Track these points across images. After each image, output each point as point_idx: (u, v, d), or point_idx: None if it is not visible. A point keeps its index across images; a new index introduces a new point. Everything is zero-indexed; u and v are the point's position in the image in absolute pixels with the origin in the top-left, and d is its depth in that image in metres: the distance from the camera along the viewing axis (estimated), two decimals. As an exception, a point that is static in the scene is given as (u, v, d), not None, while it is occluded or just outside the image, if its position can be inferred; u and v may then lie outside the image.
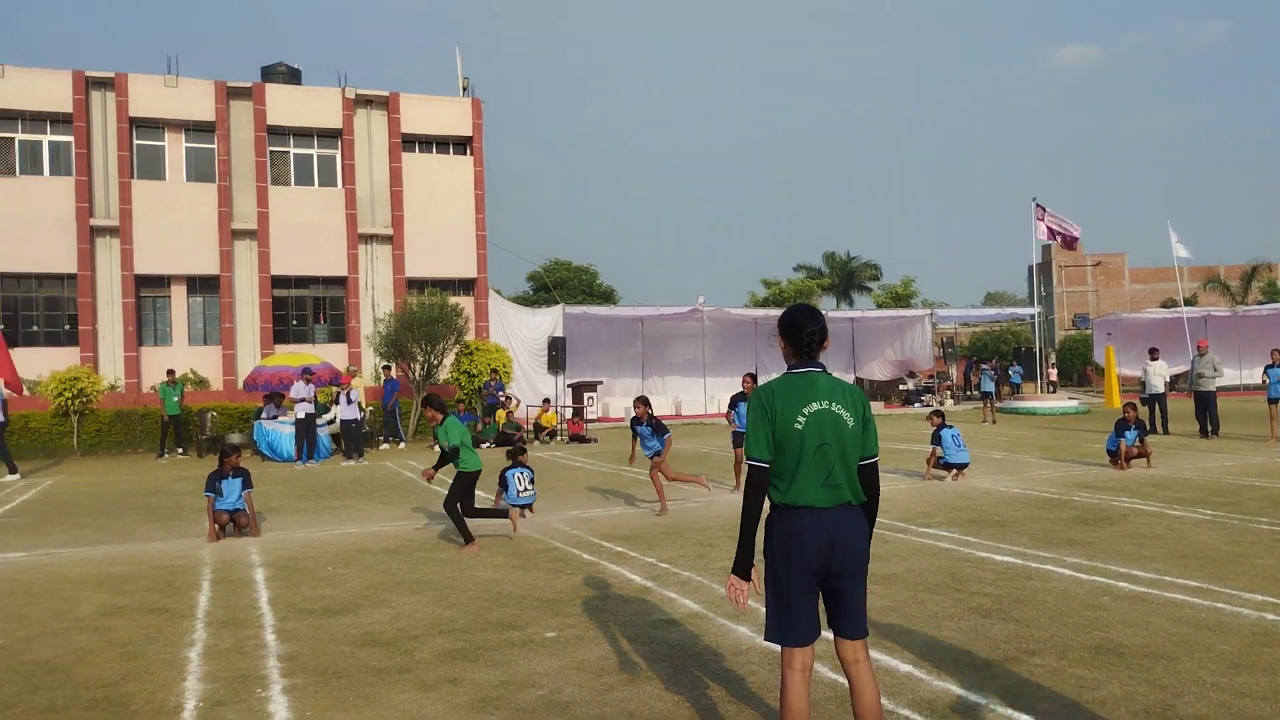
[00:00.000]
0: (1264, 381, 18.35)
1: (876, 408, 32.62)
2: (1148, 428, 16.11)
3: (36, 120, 25.35)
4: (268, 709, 4.83)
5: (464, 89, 29.42)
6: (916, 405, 32.34)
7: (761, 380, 13.18)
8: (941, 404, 32.84)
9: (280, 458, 19.38)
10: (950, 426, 13.41)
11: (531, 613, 6.59)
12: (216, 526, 9.97)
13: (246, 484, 10.24)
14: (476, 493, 10.10)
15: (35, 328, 25.67)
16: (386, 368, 23.23)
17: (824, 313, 36.90)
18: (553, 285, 42.49)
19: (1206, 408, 18.95)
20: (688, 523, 10.28)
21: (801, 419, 3.57)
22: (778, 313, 32.85)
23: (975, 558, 7.99)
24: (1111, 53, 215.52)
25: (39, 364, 23.91)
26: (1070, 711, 4.45)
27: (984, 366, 30.22)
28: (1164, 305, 48.80)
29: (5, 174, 24.96)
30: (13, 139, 25.24)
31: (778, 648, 5.18)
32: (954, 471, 13.09)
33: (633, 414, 11.68)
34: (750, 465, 3.65)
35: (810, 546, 3.56)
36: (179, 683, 5.29)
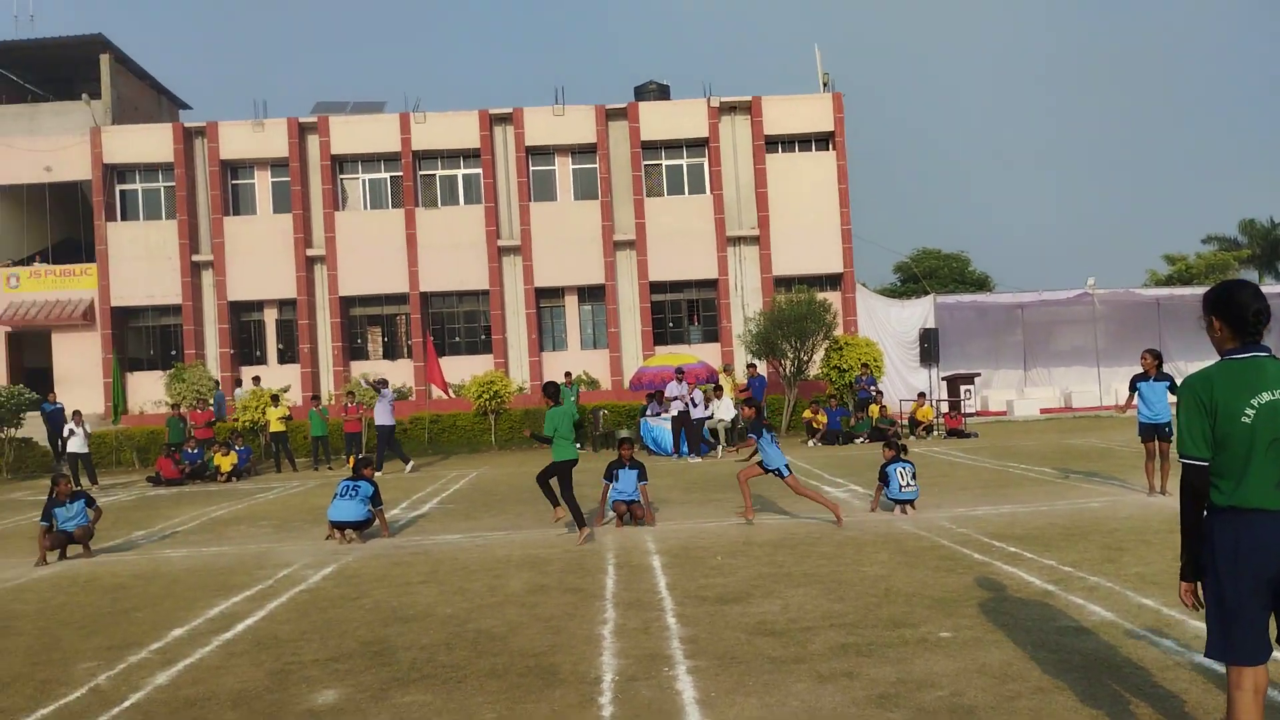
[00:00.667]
0: None
1: (1318, 395, 27.93)
2: None
3: (452, 157, 29.08)
4: (675, 687, 5.15)
5: (824, 84, 29.40)
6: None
7: (1166, 365, 11.63)
8: None
9: (664, 452, 20.55)
10: None
11: (923, 611, 6.43)
12: (48, 546, 10.70)
13: (90, 505, 10.85)
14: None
15: (458, 338, 29.43)
16: (752, 365, 23.81)
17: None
18: (922, 275, 41.12)
19: None
20: (1090, 524, 9.48)
21: (1250, 411, 3.18)
22: (1185, 292, 29.23)
23: None
24: None
25: (462, 370, 27.38)
26: None
27: None
28: None
29: (430, 206, 28.88)
30: (434, 175, 29.16)
31: (1219, 665, 4.66)
32: None
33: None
34: (1185, 464, 3.31)
35: (1261, 555, 3.17)
36: (597, 656, 5.81)
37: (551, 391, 10.41)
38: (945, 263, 44.18)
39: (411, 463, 20.14)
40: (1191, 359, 31.33)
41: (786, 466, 10.42)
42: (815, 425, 21.86)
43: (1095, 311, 29.51)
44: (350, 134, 28.65)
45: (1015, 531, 9.26)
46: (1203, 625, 5.62)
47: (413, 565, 9.21)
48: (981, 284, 43.72)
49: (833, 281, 28.85)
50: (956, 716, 4.50)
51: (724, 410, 21.59)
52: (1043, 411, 27.46)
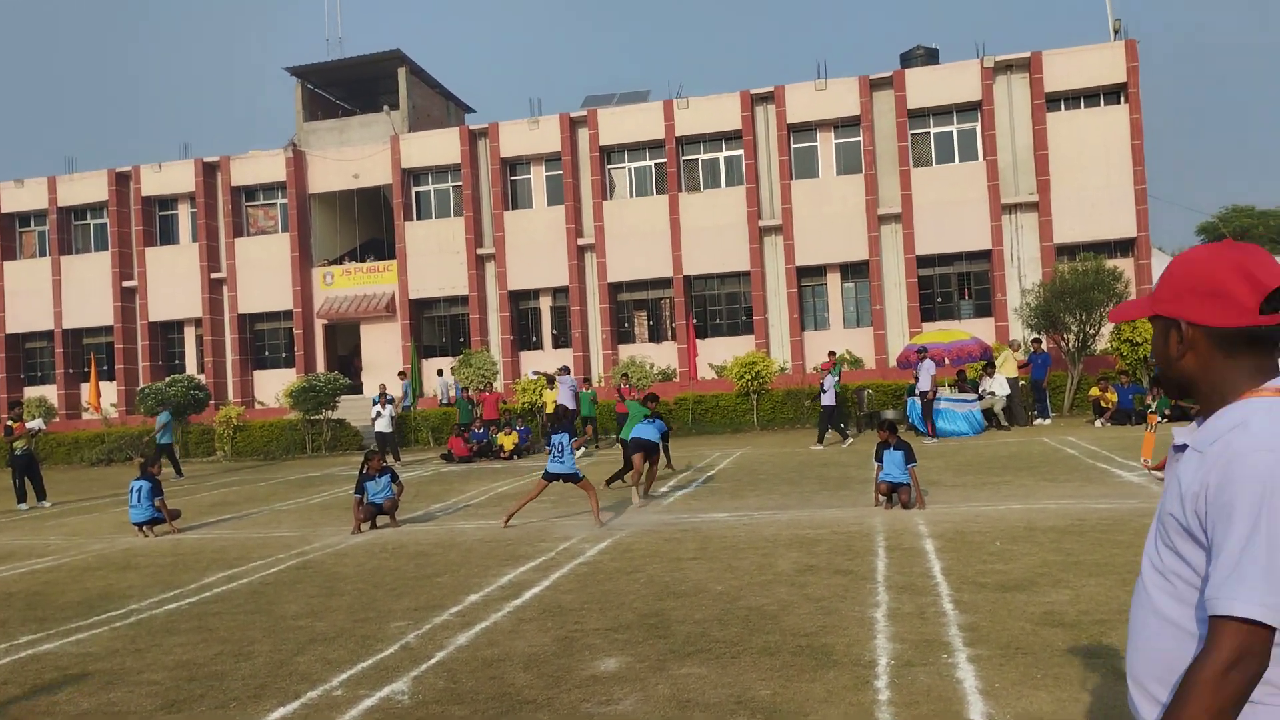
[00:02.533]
0: None
1: None
2: None
3: (713, 140, 29.40)
4: (955, 675, 4.97)
5: (1115, 32, 26.92)
6: None
7: None
8: None
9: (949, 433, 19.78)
10: None
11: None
12: (362, 517, 11.70)
13: (395, 481, 11.95)
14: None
15: (719, 320, 29.80)
16: (1036, 340, 22.32)
17: None
18: (1234, 236, 36.81)
19: None
20: None
21: None
22: None
23: None
24: None
25: (723, 351, 27.72)
26: None
27: None
28: None
29: (693, 190, 29.38)
30: (696, 159, 29.62)
31: None
32: None
33: None
34: None
35: None
36: (870, 640, 5.71)
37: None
38: (1261, 220, 39.31)
39: (591, 447, 20.04)
40: None
41: None
42: (1104, 404, 20.19)
43: None
44: (617, 125, 29.67)
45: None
46: None
47: (683, 542, 9.46)
48: (1308, 243, 38.49)
49: (1124, 247, 26.46)
50: None
51: (998, 386, 20.49)
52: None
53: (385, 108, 32.33)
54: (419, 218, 31.68)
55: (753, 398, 24.90)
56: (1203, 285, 1.73)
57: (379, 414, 21.44)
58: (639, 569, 8.29)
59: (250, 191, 33.20)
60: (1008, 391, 20.61)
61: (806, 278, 28.88)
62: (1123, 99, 26.48)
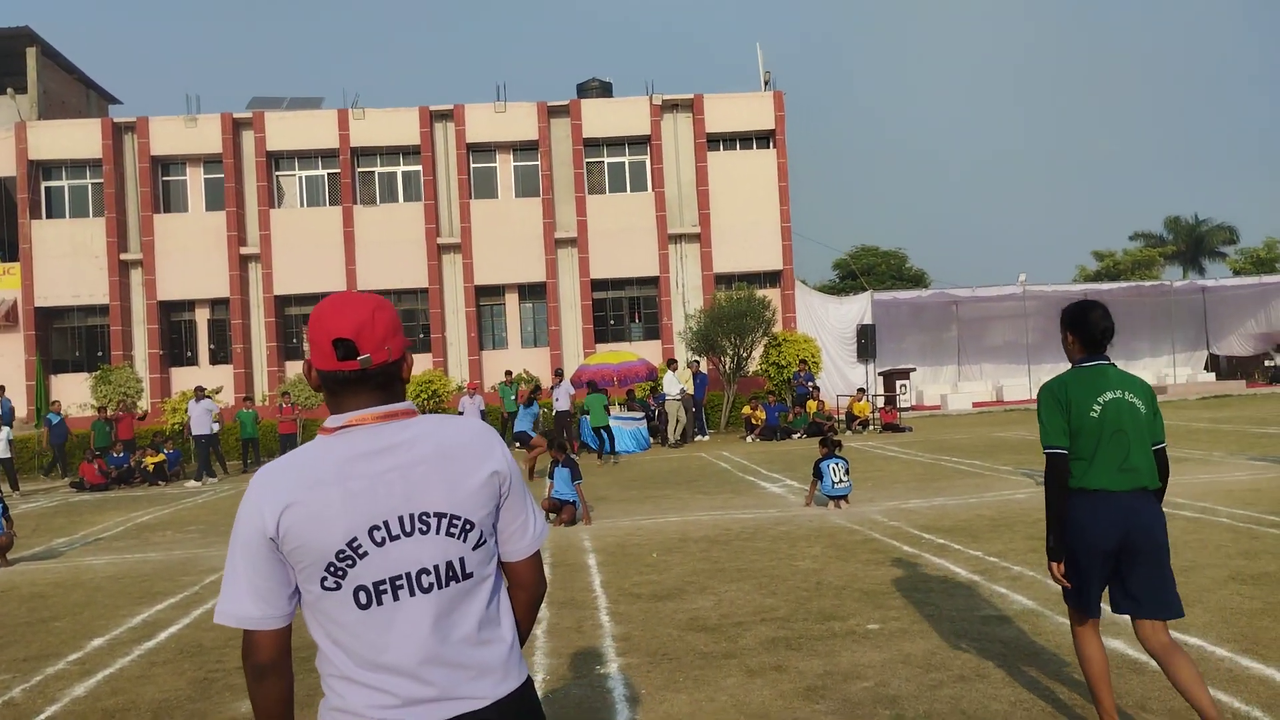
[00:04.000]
0: None
1: (1236, 386, 28.92)
2: None
3: (391, 154, 28.71)
4: (606, 685, 5.16)
5: (765, 83, 29.62)
6: (1289, 383, 28.30)
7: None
8: (1322, 381, 28.51)
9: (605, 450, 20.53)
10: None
11: (853, 604, 6.53)
12: None
13: (4, 515, 10.48)
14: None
15: (396, 338, 29.08)
16: (694, 363, 23.90)
17: (1170, 284, 33.51)
18: (860, 272, 41.64)
19: None
20: (1017, 515, 9.70)
21: (1097, 407, 3.77)
22: (1111, 287, 30.05)
23: (1374, 558, 6.87)
24: None
25: (400, 370, 27.06)
26: None
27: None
28: None
29: (369, 204, 28.49)
30: (373, 172, 28.78)
31: (1127, 650, 4.81)
32: (1342, 458, 11.33)
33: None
34: (1049, 454, 3.82)
35: (1104, 529, 3.71)
36: (529, 657, 5.78)
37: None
38: (883, 259, 44.82)
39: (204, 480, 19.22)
40: (1116, 356, 32.28)
41: None
42: (754, 421, 22.05)
43: (1026, 307, 30.18)
44: (286, 130, 28.12)
45: (944, 524, 9.44)
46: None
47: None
48: (918, 280, 44.43)
49: (772, 279, 29.10)
50: (881, 706, 4.57)
51: (669, 386, 21.55)
52: (975, 405, 28.02)
53: (9, 90, 28.41)
54: (50, 216, 28.08)
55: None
56: (309, 338, 1.93)
57: None
58: (295, 599, 7.84)
59: None
60: (680, 387, 21.70)
61: (485, 297, 28.97)
62: (771, 144, 29.19)
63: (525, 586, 2.02)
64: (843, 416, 23.55)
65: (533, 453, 16.04)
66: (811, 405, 22.83)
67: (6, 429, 19.20)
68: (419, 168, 28.45)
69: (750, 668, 5.28)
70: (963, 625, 5.83)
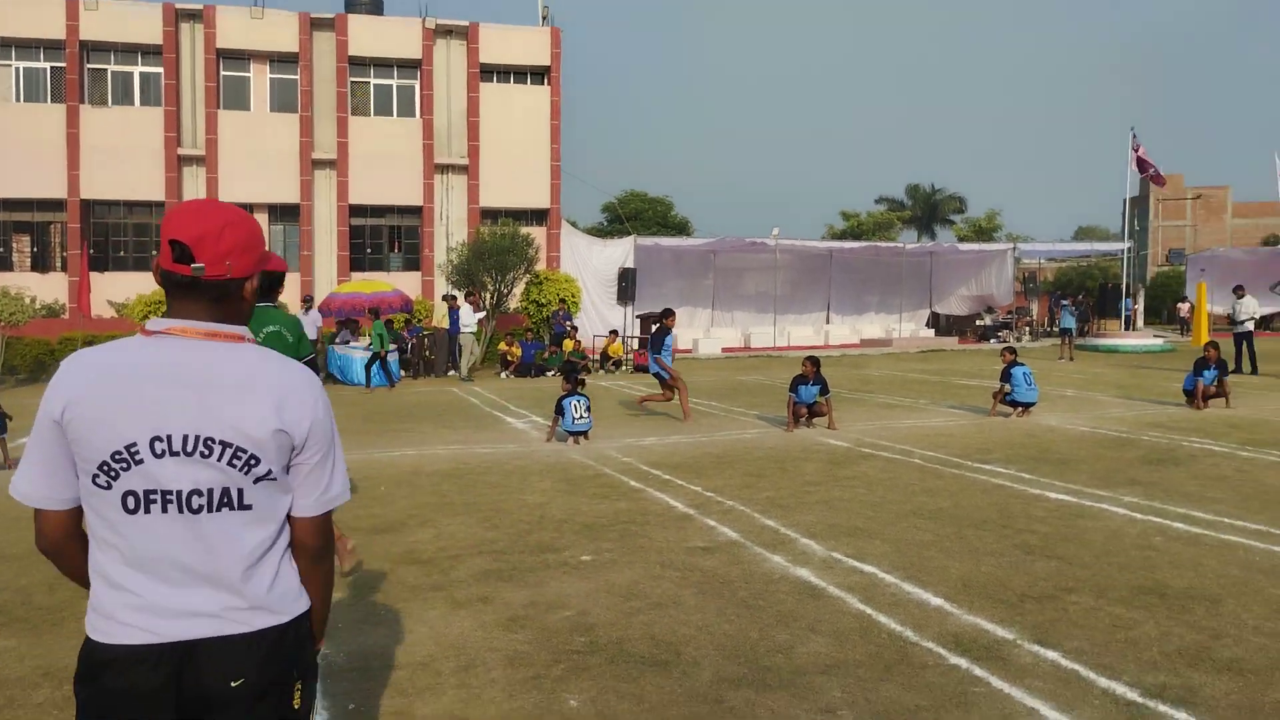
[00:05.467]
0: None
1: (950, 342, 31.90)
2: (1230, 367, 15.41)
3: (128, 52, 25.93)
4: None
5: (543, 18, 29.11)
6: (993, 341, 31.57)
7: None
8: (1018, 339, 32.00)
9: (351, 382, 19.89)
10: (1022, 364, 13.05)
11: (571, 536, 6.68)
12: None
13: None
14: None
15: (124, 253, 26.62)
16: (452, 297, 23.45)
17: (903, 246, 36.34)
18: (627, 217, 42.27)
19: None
20: (739, 453, 10.26)
21: (260, 336, 4.58)
22: (853, 245, 32.13)
23: (1028, 495, 7.81)
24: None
25: (128, 288, 24.85)
26: (1099, 650, 4.34)
27: (1064, 302, 29.27)
28: (1265, 242, 46.44)
29: (99, 104, 25.68)
30: (105, 70, 25.92)
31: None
32: (1019, 409, 12.78)
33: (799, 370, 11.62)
34: None
35: None
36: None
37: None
38: (651, 205, 45.73)
39: None
40: (848, 313, 34.81)
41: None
42: (509, 358, 22.01)
43: (777, 260, 31.77)
44: (3, 14, 24.70)
45: (674, 460, 9.84)
46: (809, 542, 6.27)
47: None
48: (682, 228, 45.74)
49: (539, 217, 28.95)
50: (576, 634, 4.71)
51: (467, 318, 20.96)
52: (725, 350, 29.33)
53: None
54: None
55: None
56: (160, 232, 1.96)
57: None
58: (-33, 534, 7.07)
59: None
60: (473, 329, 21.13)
61: (230, 215, 27.00)
62: (546, 80, 28.83)
63: (301, 546, 1.95)
64: (598, 356, 23.97)
65: None
66: (568, 344, 23.07)
67: None
68: (160, 70, 25.89)
69: (457, 599, 5.28)
70: (669, 556, 6.11)
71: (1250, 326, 19.57)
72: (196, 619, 1.81)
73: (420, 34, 27.47)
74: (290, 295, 26.31)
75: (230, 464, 1.82)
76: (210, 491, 1.82)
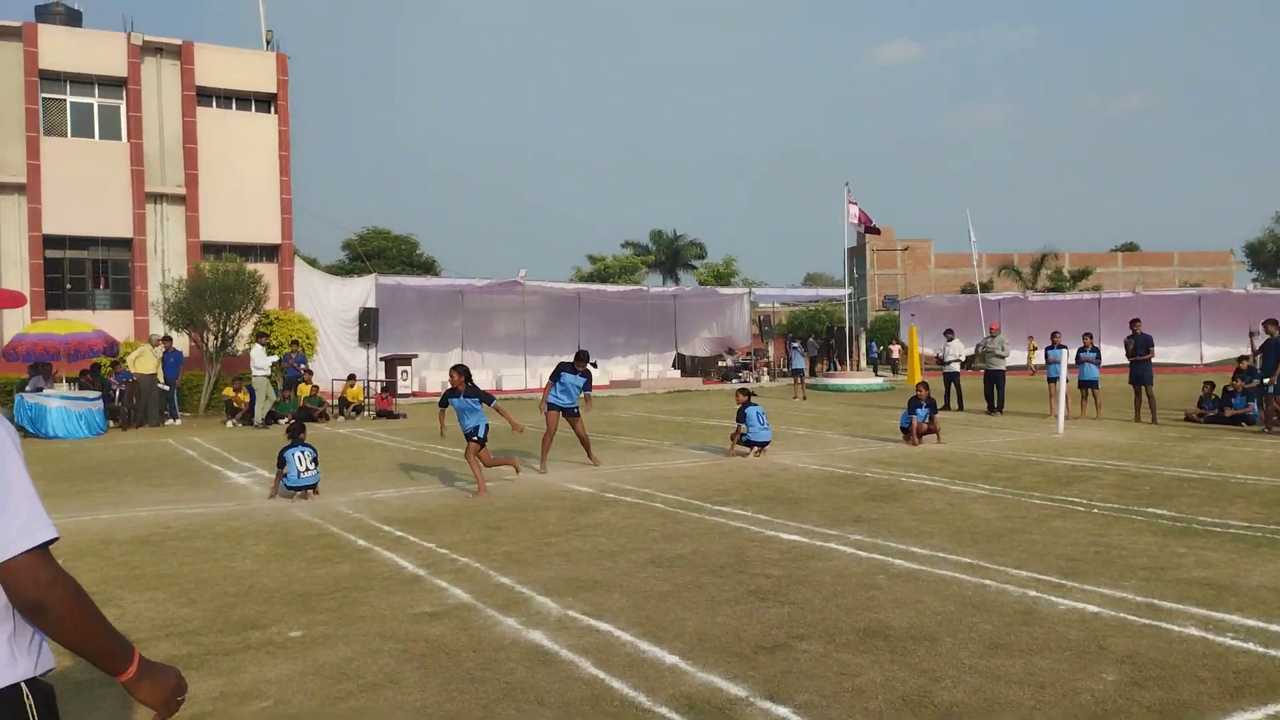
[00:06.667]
0: (1047, 361, 19.49)
1: (695, 382, 32.95)
2: (939, 405, 16.76)
3: None
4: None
5: (267, 42, 27.54)
6: (734, 381, 32.95)
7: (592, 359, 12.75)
8: (757, 380, 33.61)
9: (45, 435, 17.58)
10: (755, 405, 13.47)
11: (281, 609, 5.96)
12: None
13: None
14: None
15: None
16: (167, 339, 21.40)
17: (648, 289, 37.39)
18: (369, 255, 40.73)
19: (995, 384, 20.01)
20: (477, 505, 9.79)
21: None
22: (601, 288, 32.64)
23: (764, 536, 7.90)
24: (931, 51, 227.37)
25: None
26: (828, 702, 4.28)
27: (794, 344, 31.06)
28: (964, 290, 51.79)
29: None
30: None
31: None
32: (755, 449, 13.16)
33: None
34: None
35: None
36: None
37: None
38: (395, 244, 44.38)
39: None
40: (598, 354, 35.27)
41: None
42: (236, 404, 20.31)
43: (526, 302, 31.64)
44: None
45: (408, 514, 9.23)
46: (545, 600, 5.92)
47: None
48: (428, 268, 44.68)
49: (269, 253, 27.16)
50: (273, 729, 4.09)
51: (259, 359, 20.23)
52: (474, 394, 28.69)
53: None
54: None
55: None
56: None
57: None
58: None
59: None
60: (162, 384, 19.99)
61: (-108, 244, 23.38)
62: (273, 109, 27.23)
63: (17, 598, 1.76)
64: (336, 401, 22.65)
65: None
66: (304, 389, 21.64)
67: None
68: None
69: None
70: (391, 625, 5.56)
71: (957, 368, 21.45)
72: None
73: (125, 50, 25.13)
74: (-31, 336, 23.14)
75: None
76: None
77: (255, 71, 26.84)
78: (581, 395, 12.52)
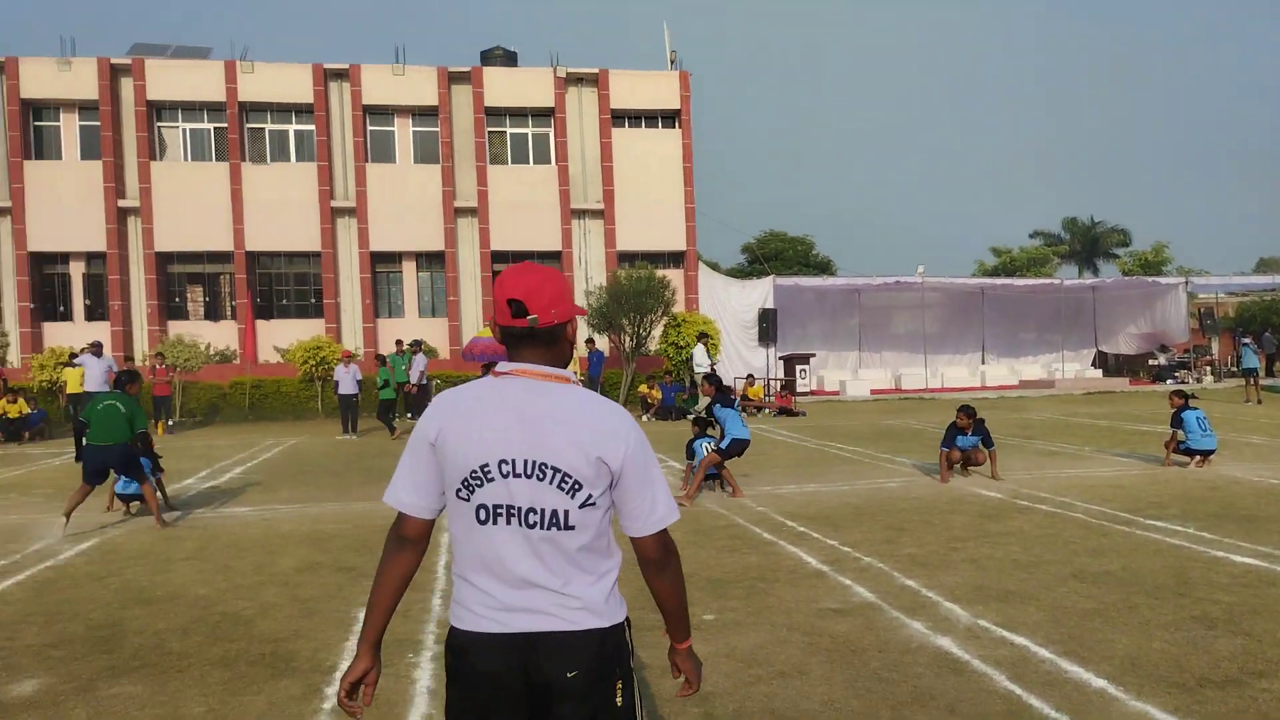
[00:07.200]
0: None
1: (1120, 383, 29.86)
2: None
3: (283, 111, 27.53)
4: (413, 675, 4.86)
5: (671, 62, 29.32)
6: (1169, 381, 29.40)
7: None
8: (1198, 380, 29.70)
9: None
10: (1194, 408, 11.94)
11: (695, 593, 6.33)
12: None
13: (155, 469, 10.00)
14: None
15: (286, 301, 28.05)
16: (590, 340, 23.64)
17: (1060, 281, 34.46)
18: (766, 258, 41.83)
19: None
20: (881, 504, 9.68)
21: None
22: (1008, 282, 30.65)
23: (1209, 557, 6.98)
24: None
25: (289, 334, 26.14)
26: (1302, 753, 3.68)
27: (1245, 340, 27.00)
28: None
29: (258, 162, 27.31)
30: (263, 129, 27.57)
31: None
32: (1197, 458, 11.65)
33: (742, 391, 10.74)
34: None
35: None
36: (342, 642, 5.44)
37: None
38: (790, 245, 45.07)
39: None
40: (1005, 353, 33.19)
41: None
42: (650, 400, 21.88)
43: (925, 298, 30.67)
44: (170, 80, 26.69)
45: (810, 511, 9.35)
46: (953, 607, 5.73)
47: (181, 541, 8.56)
48: (824, 267, 44.86)
49: (675, 259, 28.93)
50: (691, 704, 4.37)
51: (700, 359, 21.65)
52: (873, 392, 28.39)
53: None
54: (-94, 156, 26.16)
55: (317, 384, 23.77)
56: (494, 296, 2.29)
57: None
58: (116, 573, 7.32)
59: None
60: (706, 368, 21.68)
61: (381, 263, 28.13)
62: (677, 124, 28.94)
63: (647, 560, 2.27)
64: (738, 399, 23.55)
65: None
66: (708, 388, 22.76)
67: None
68: (312, 127, 27.34)
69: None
70: (797, 618, 5.68)
71: None
72: (533, 615, 2.14)
73: (552, 83, 28.05)
74: (439, 339, 27.15)
75: (559, 487, 2.14)
76: (543, 511, 2.14)
77: (661, 91, 28.72)
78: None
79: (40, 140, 26.74)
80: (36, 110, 26.56)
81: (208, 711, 4.44)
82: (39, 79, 26.04)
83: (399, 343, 22.92)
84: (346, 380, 19.23)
